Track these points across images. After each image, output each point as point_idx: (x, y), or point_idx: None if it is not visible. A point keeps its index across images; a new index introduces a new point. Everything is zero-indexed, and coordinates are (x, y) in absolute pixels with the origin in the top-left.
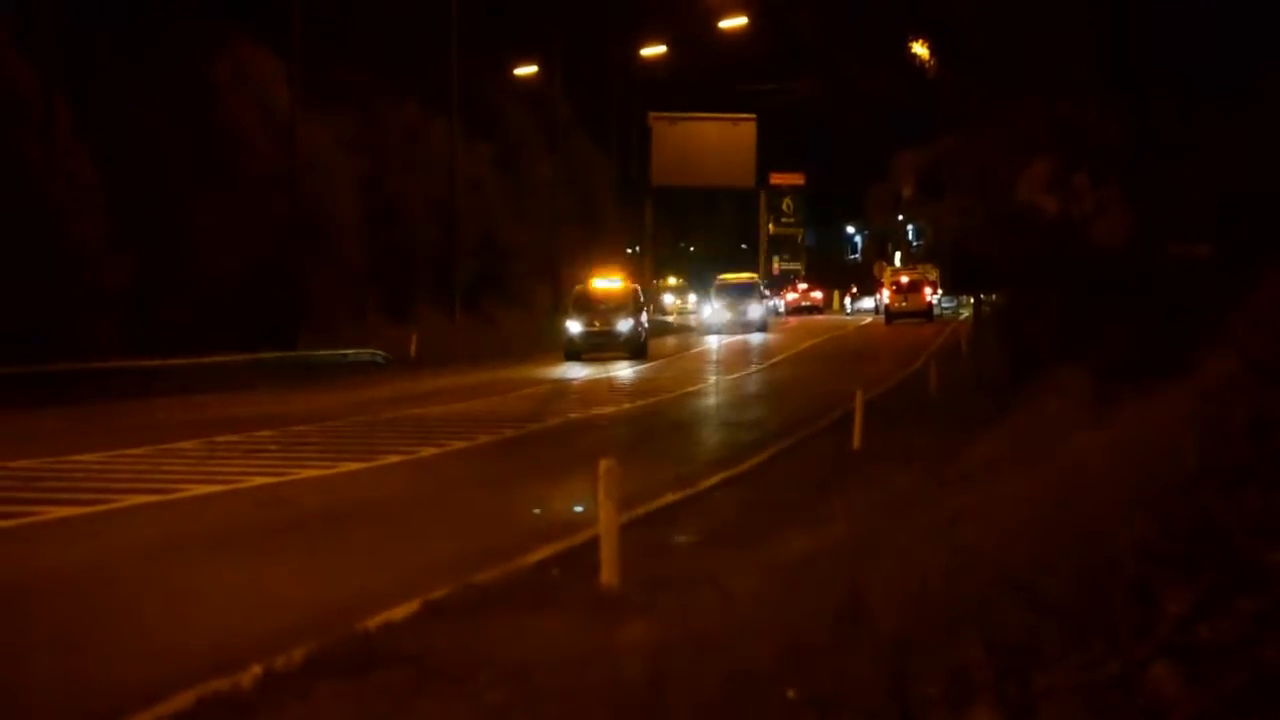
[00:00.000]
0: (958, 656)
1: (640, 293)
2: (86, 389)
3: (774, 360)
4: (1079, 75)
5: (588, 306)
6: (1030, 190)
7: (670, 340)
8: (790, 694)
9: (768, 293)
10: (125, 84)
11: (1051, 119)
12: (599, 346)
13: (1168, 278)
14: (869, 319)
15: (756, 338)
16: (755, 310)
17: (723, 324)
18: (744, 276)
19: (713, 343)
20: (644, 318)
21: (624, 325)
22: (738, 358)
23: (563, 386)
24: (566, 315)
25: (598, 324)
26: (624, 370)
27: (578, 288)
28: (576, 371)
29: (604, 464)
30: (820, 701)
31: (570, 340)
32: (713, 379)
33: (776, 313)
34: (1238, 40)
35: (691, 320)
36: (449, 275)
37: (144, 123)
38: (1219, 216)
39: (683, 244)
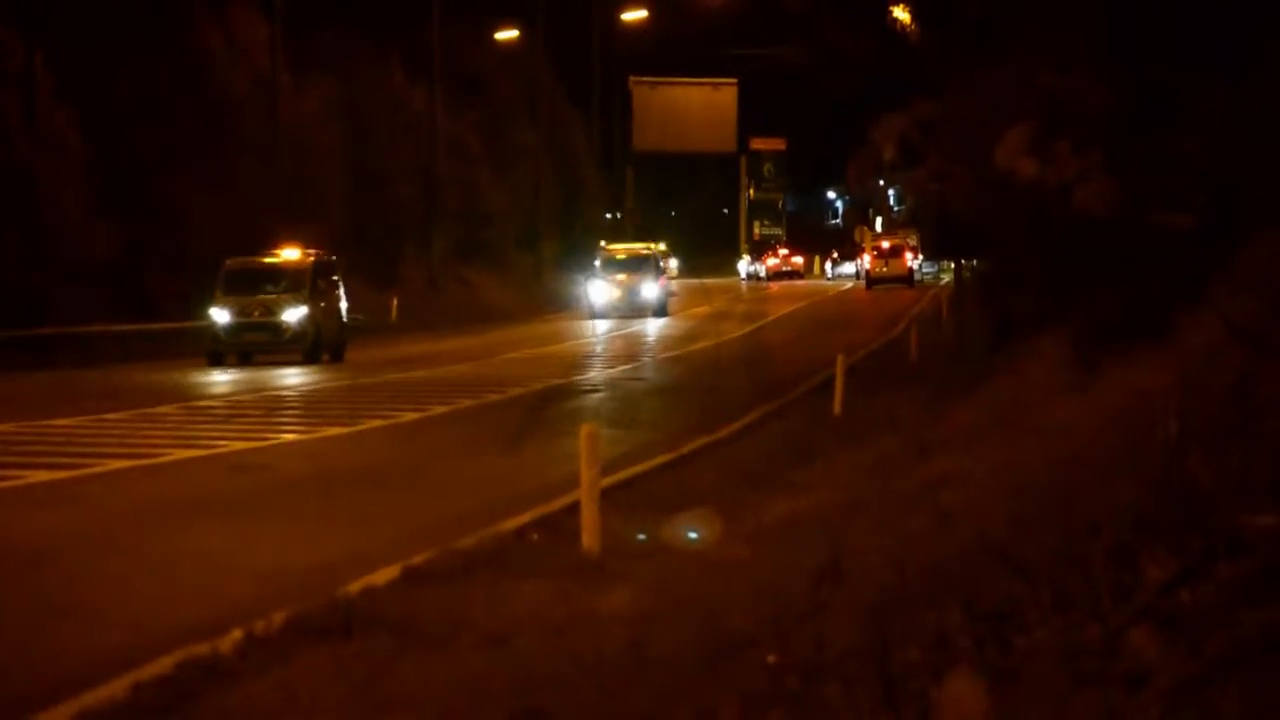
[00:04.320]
0: (938, 621)
1: (329, 267)
2: (67, 353)
3: (737, 333)
4: (1066, 43)
5: (244, 288)
6: (1010, 157)
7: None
8: (771, 659)
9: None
10: (110, 48)
11: (1034, 86)
12: (257, 345)
13: (1149, 245)
14: (850, 284)
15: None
16: (650, 290)
17: (609, 306)
18: (637, 248)
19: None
20: (341, 305)
21: (292, 314)
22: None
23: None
24: (214, 301)
25: (256, 313)
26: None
27: (230, 262)
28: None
29: (585, 429)
30: (801, 667)
31: (214, 336)
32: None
33: (757, 278)
34: (1234, 12)
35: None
36: (430, 240)
37: (129, 88)
38: (1203, 186)
39: (663, 209)
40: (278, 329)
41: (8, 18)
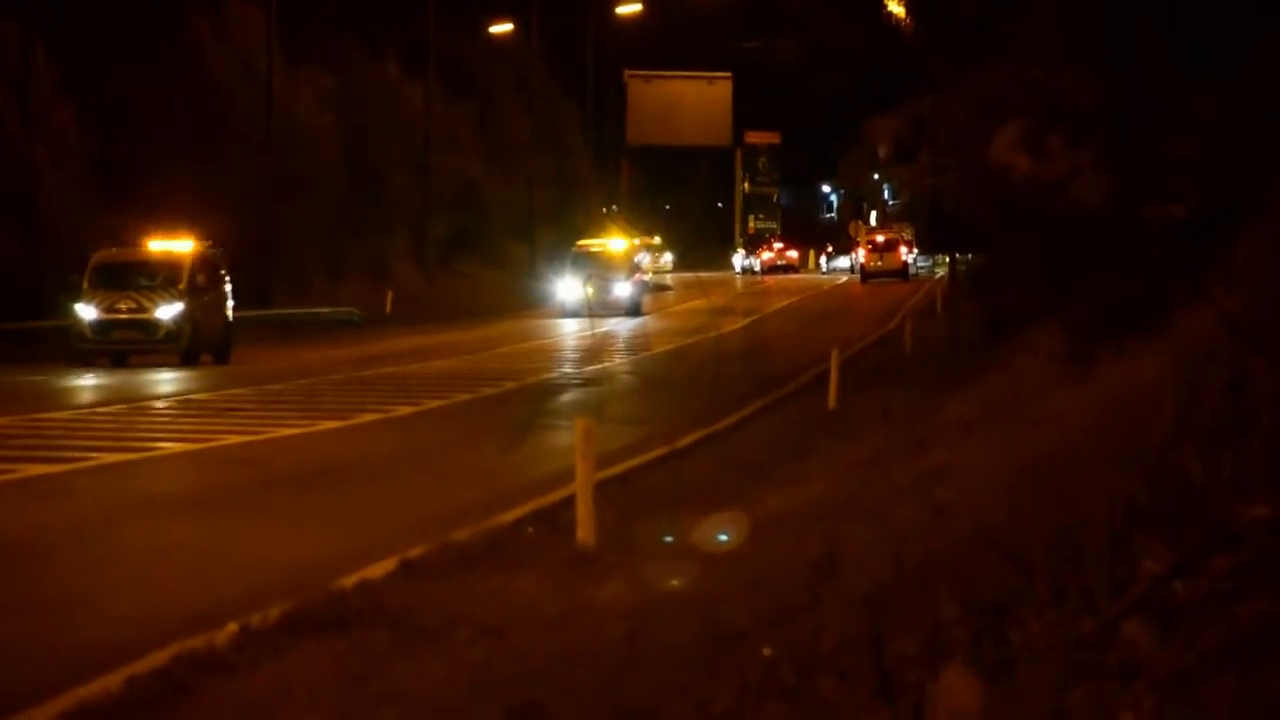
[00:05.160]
0: (933, 614)
1: (213, 261)
2: (60, 347)
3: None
4: (1059, 38)
5: (114, 283)
6: (1004, 152)
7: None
8: (766, 652)
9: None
10: (106, 42)
11: (1027, 81)
12: (127, 344)
13: (1144, 238)
14: (844, 278)
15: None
16: (623, 288)
17: (580, 304)
18: (611, 243)
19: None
20: (228, 302)
21: (166, 311)
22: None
23: None
24: (80, 296)
25: (125, 309)
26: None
27: (99, 253)
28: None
29: (580, 423)
30: (796, 660)
31: (80, 335)
32: None
33: (752, 272)
34: (1225, 7)
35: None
36: (425, 233)
37: (126, 82)
38: (1196, 179)
39: (657, 203)
40: (149, 327)
41: (6, 11)
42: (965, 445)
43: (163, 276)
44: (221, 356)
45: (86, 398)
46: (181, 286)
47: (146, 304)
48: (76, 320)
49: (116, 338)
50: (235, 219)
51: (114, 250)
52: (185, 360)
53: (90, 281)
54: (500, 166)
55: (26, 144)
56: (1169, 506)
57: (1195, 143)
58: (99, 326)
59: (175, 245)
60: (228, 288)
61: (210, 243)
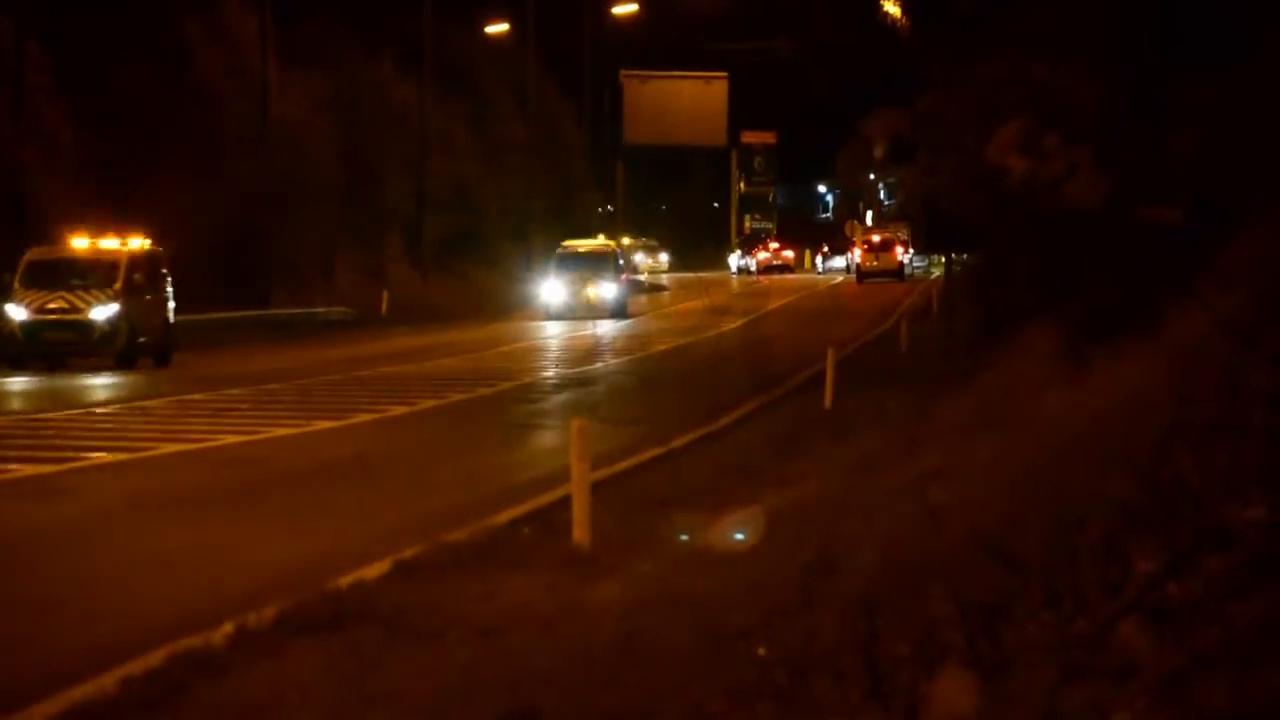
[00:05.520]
0: (928, 615)
1: (153, 260)
2: None
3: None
4: (1058, 35)
5: (47, 282)
6: (1002, 153)
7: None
8: (761, 652)
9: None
10: (100, 42)
11: (1025, 80)
12: (60, 346)
13: (1139, 239)
14: (840, 278)
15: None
16: (609, 289)
17: (564, 306)
18: (596, 244)
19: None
20: (169, 304)
21: (101, 312)
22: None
23: None
24: (11, 295)
25: (55, 308)
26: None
27: (32, 251)
28: None
29: (576, 423)
30: (791, 660)
31: (11, 336)
32: None
33: (748, 272)
34: (1224, 4)
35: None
36: (420, 234)
37: (119, 82)
38: (1192, 179)
39: (654, 203)
40: (83, 328)
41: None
42: (960, 446)
43: (98, 276)
44: (162, 359)
45: None
46: (117, 286)
47: (80, 304)
48: (7, 321)
49: (48, 339)
50: (231, 220)
51: (48, 248)
52: (121, 363)
53: (22, 281)
54: (496, 167)
55: (17, 144)
56: (1163, 507)
57: (1192, 141)
58: (29, 328)
59: (112, 243)
60: (169, 288)
61: (150, 240)
